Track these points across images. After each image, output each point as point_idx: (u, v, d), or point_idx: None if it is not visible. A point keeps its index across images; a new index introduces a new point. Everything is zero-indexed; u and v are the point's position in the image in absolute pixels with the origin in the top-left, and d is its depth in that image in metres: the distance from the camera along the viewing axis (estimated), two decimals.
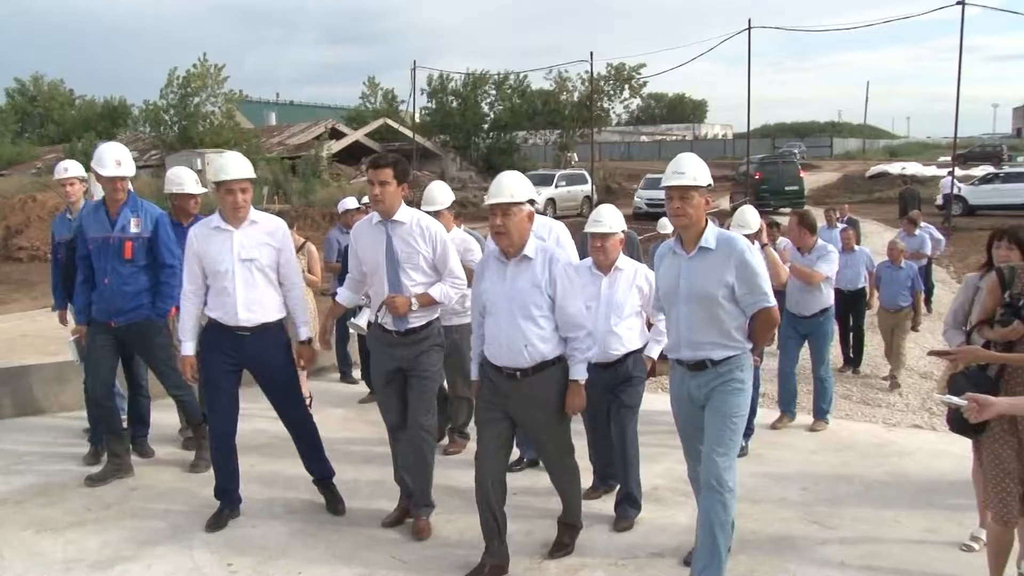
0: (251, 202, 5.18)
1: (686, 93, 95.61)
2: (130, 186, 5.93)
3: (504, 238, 4.51)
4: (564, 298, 4.49)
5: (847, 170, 49.81)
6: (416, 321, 5.06)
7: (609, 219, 5.35)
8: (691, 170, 4.24)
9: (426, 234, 5.03)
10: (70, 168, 6.83)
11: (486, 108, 47.32)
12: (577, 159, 45.49)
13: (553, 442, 4.75)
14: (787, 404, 7.61)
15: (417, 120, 45.32)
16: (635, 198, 32.29)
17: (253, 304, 5.12)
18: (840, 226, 14.32)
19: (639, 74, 46.53)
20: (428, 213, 6.28)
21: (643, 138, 76.21)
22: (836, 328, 8.66)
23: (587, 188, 33.72)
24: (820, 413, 7.55)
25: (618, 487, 5.43)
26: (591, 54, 38.60)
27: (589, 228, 5.38)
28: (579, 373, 4.57)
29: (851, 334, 10.56)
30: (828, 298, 7.59)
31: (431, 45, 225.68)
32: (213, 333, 5.21)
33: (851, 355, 10.61)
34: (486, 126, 46.67)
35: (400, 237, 5.01)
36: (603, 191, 36.23)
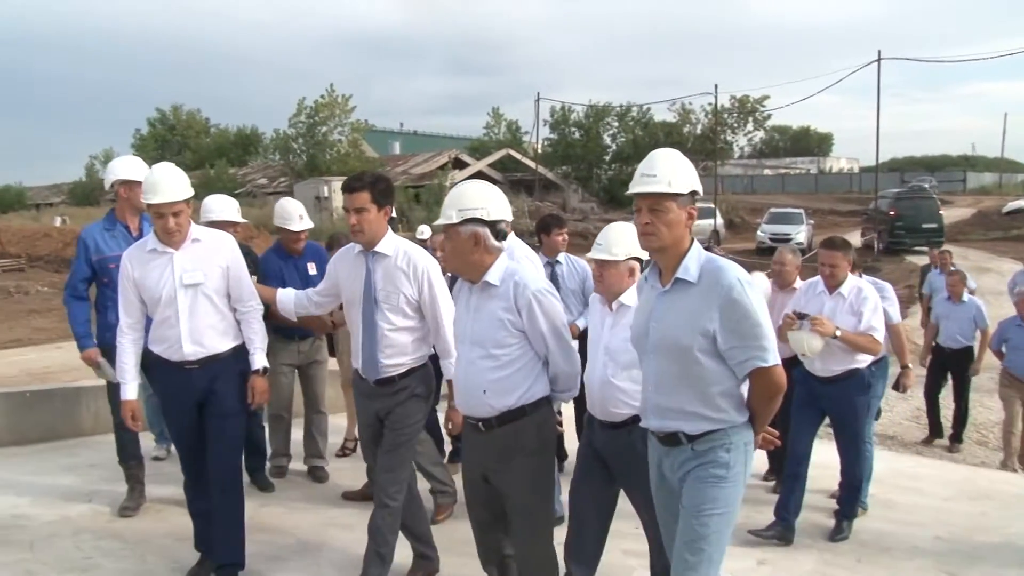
0: (188, 220, 4.51)
1: (811, 126, 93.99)
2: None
3: (447, 264, 3.89)
4: (542, 333, 3.68)
5: (982, 205, 47.85)
6: (393, 370, 4.36)
7: (611, 243, 4.20)
8: (666, 172, 3.17)
9: (411, 272, 4.30)
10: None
11: (608, 140, 47.57)
12: (702, 193, 45.11)
13: (523, 517, 3.79)
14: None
15: (539, 151, 45.71)
16: (758, 232, 31.76)
17: (200, 335, 4.48)
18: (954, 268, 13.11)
19: (763, 106, 46.10)
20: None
21: (766, 171, 75.08)
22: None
23: (714, 221, 33.24)
24: None
25: None
26: (715, 86, 38.57)
27: (590, 253, 4.36)
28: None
29: (956, 403, 9.00)
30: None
31: (554, 76, 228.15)
32: (160, 370, 4.59)
33: (948, 427, 9.07)
34: (608, 158, 46.82)
35: (382, 272, 4.33)
36: (726, 225, 35.83)
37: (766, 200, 47.45)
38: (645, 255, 4.25)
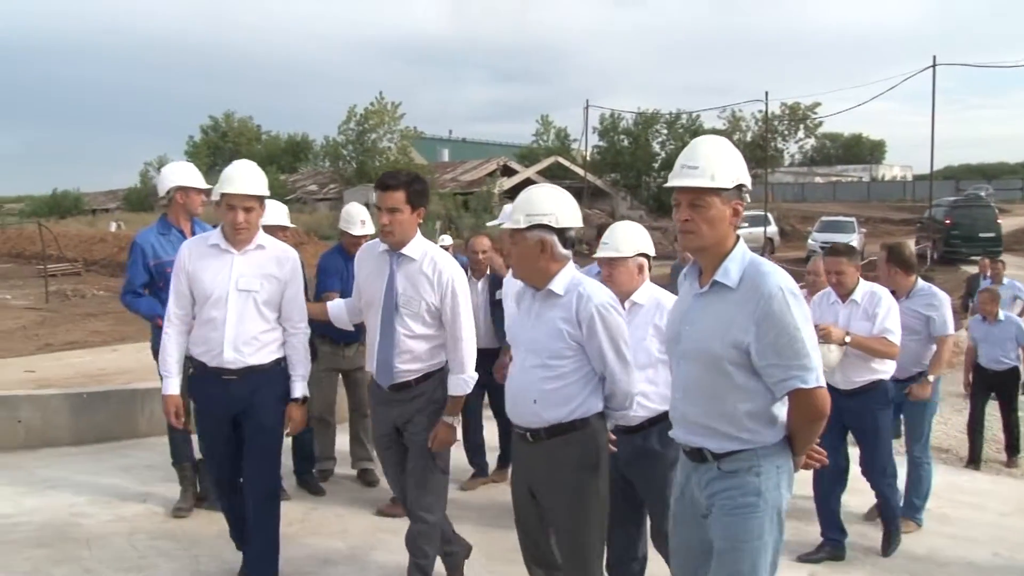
0: (258, 223, 4.44)
1: (863, 133, 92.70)
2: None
3: (512, 269, 3.77)
4: (601, 348, 3.52)
5: None
6: (408, 375, 4.25)
7: (618, 240, 4.12)
8: (709, 163, 2.89)
9: (436, 279, 4.17)
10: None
11: (657, 147, 47.30)
12: (749, 200, 44.76)
13: (570, 538, 3.65)
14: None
15: (588, 158, 45.63)
16: (808, 240, 31.38)
17: (243, 343, 4.31)
18: (1007, 283, 12.42)
19: (814, 113, 45.63)
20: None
21: (817, 179, 74.17)
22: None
23: (764, 229, 32.96)
24: (912, 509, 5.78)
25: None
26: (766, 93, 38.20)
27: (597, 253, 4.29)
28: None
29: (1004, 420, 8.47)
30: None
31: (603, 84, 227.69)
32: (199, 376, 4.44)
33: (996, 447, 8.59)
34: (657, 165, 46.59)
35: (405, 275, 4.20)
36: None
37: (817, 208, 46.88)
38: (653, 251, 4.24)
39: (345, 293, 5.53)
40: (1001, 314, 8.36)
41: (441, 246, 7.19)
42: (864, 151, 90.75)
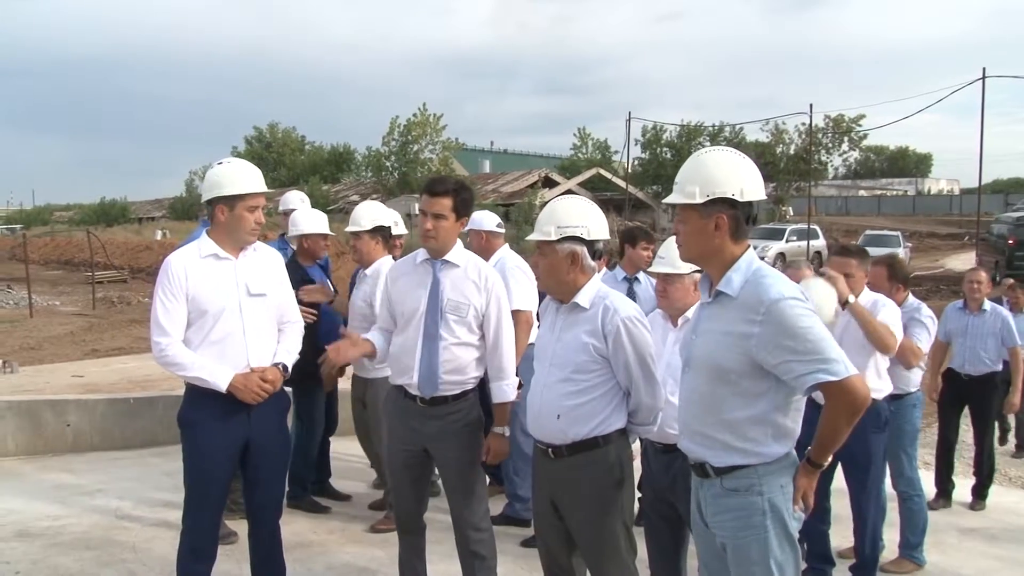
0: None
1: (909, 146, 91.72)
2: None
3: (539, 281, 3.71)
4: (627, 362, 3.48)
5: None
6: (450, 388, 4.13)
7: (674, 256, 3.85)
8: (685, 179, 2.94)
9: (482, 284, 4.11)
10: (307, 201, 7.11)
11: None
12: (792, 213, 44.41)
13: (592, 554, 3.59)
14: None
15: (630, 170, 45.55)
16: None
17: (264, 355, 4.03)
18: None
19: (859, 126, 45.17)
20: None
21: (861, 192, 73.47)
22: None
23: (817, 243, 32.63)
24: (908, 548, 5.36)
25: None
26: (810, 106, 37.81)
27: (652, 267, 4.20)
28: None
29: (976, 446, 7.02)
30: (914, 377, 5.43)
31: (646, 96, 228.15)
32: (211, 398, 3.97)
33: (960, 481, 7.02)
34: None
35: (450, 281, 4.11)
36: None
37: (861, 222, 46.44)
38: None
39: None
40: (987, 304, 6.91)
41: None
42: (910, 164, 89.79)
